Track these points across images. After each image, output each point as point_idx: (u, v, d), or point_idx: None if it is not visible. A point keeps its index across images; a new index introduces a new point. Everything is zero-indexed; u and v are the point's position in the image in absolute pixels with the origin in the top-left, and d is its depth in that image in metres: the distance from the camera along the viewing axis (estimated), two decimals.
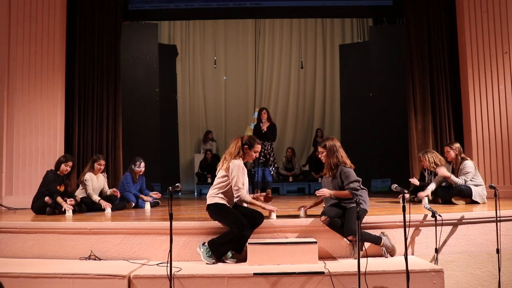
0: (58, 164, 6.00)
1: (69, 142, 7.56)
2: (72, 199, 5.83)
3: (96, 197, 6.20)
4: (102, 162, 6.45)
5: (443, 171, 5.93)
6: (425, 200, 5.74)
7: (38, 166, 7.05)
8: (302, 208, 4.86)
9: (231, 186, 4.47)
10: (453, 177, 5.90)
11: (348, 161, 4.59)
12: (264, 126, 7.80)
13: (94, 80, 7.79)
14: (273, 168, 7.90)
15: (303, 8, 8.67)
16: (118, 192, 6.39)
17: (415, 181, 6.45)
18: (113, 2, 7.96)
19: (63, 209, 5.67)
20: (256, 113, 8.90)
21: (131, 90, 8.97)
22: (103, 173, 6.58)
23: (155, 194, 6.76)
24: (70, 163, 6.01)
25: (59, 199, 5.72)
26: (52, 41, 7.34)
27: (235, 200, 4.55)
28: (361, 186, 4.59)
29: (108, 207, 5.99)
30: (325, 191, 4.57)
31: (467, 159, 6.05)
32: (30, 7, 7.29)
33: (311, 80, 12.18)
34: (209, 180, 9.84)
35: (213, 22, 11.73)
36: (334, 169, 4.58)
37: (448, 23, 7.91)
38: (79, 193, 6.25)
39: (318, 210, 4.83)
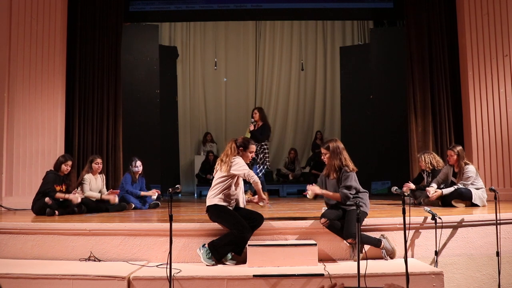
0: (58, 164, 5.98)
1: (69, 143, 7.57)
2: (76, 191, 5.91)
3: (96, 194, 6.24)
4: (99, 160, 6.48)
5: (434, 194, 5.91)
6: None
7: (38, 167, 7.05)
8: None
9: (229, 187, 4.49)
10: (445, 191, 5.90)
11: (351, 164, 4.57)
12: (254, 126, 7.46)
13: (94, 81, 7.80)
14: (263, 167, 7.49)
15: (304, 10, 8.68)
16: (116, 197, 6.40)
17: (410, 185, 6.39)
18: (114, 3, 7.98)
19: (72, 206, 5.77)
20: None
21: (131, 91, 8.97)
22: (101, 174, 6.60)
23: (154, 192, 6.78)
24: (70, 163, 6.00)
25: (59, 194, 5.74)
26: (52, 42, 7.35)
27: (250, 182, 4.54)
28: (362, 189, 4.59)
29: (114, 197, 6.18)
30: (315, 189, 4.55)
31: (468, 164, 6.04)
32: (31, 8, 7.30)
33: (311, 82, 12.16)
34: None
35: (213, 24, 11.72)
36: (338, 171, 4.57)
37: (448, 25, 7.92)
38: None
39: (318, 212, 4.83)
